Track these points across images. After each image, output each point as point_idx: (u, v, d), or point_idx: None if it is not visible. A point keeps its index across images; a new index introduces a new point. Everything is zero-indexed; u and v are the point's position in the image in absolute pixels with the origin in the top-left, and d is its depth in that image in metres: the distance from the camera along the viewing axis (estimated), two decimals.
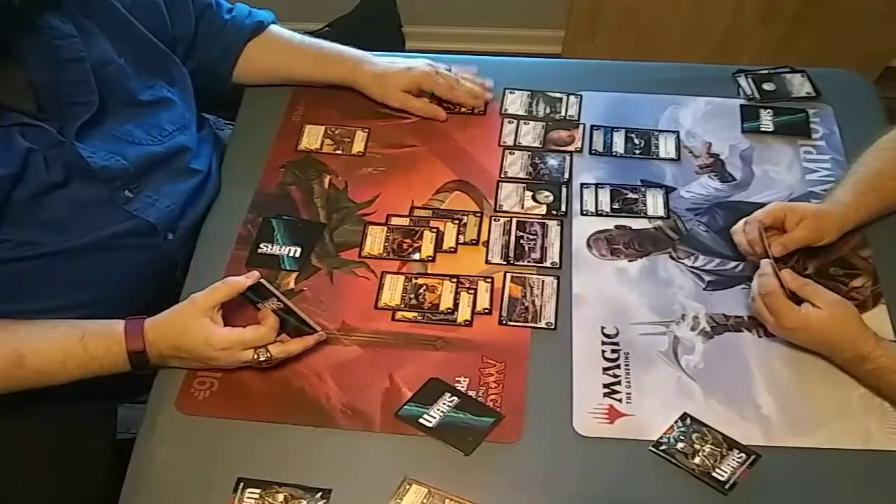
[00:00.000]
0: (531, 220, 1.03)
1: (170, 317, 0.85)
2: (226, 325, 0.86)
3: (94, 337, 0.83)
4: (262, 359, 0.84)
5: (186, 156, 0.99)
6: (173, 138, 0.97)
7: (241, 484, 0.80)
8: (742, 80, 1.20)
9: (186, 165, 0.99)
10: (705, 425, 0.84)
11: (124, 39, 0.91)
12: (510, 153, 1.11)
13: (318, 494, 0.79)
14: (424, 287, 0.96)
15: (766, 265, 0.90)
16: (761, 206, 0.96)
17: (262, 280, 0.85)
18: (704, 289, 0.96)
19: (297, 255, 0.99)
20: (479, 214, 1.03)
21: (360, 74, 1.12)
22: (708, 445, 0.82)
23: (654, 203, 1.05)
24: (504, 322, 0.93)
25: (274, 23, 1.16)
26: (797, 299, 0.87)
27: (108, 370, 0.84)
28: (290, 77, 1.16)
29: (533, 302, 0.95)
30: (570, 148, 1.12)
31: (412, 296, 0.95)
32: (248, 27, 1.11)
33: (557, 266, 0.98)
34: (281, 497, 0.79)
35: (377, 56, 1.14)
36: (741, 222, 0.96)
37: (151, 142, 0.94)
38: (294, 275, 0.97)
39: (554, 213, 1.04)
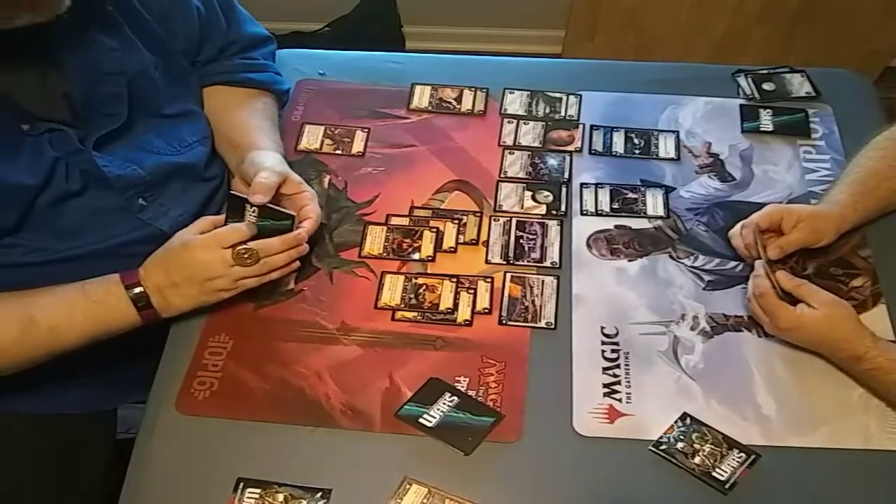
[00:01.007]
0: (531, 220, 1.03)
1: (161, 248, 0.86)
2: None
3: (94, 283, 0.83)
4: (245, 255, 0.83)
5: (203, 163, 0.99)
6: (192, 149, 0.97)
7: (241, 484, 0.80)
8: (742, 80, 1.20)
9: (202, 173, 0.99)
10: (705, 425, 0.84)
11: (160, 54, 0.92)
12: (510, 153, 1.11)
13: (318, 494, 0.79)
14: (424, 287, 0.96)
15: (758, 267, 0.90)
16: (761, 205, 0.96)
17: (232, 192, 0.88)
18: (704, 288, 0.96)
19: None
20: (478, 214, 1.03)
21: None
22: (708, 445, 0.82)
23: (654, 203, 1.05)
24: (504, 322, 0.93)
25: (278, 91, 1.10)
26: (794, 299, 0.87)
27: (113, 317, 0.83)
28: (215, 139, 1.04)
29: (533, 302, 0.95)
30: (569, 148, 1.12)
31: (412, 296, 0.95)
32: (231, 73, 1.04)
33: (557, 266, 0.98)
34: (281, 497, 0.79)
35: (276, 159, 0.96)
36: (738, 226, 0.97)
37: (171, 152, 0.94)
38: (294, 274, 0.97)
39: (554, 212, 1.04)
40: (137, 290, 0.83)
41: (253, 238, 0.85)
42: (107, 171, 0.85)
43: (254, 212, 0.86)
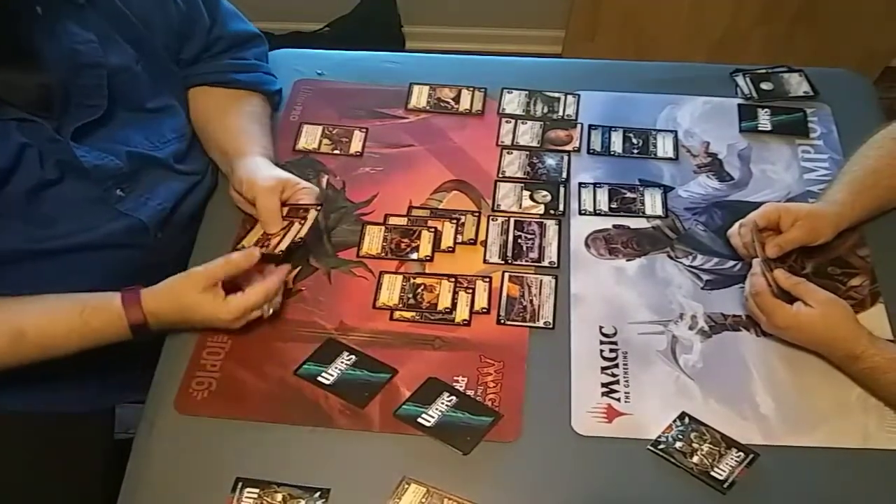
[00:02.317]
0: (529, 220, 1.03)
1: (169, 292, 0.85)
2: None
3: (94, 311, 0.83)
4: (270, 313, 0.89)
5: (182, 159, 0.99)
6: (172, 146, 0.97)
7: (240, 484, 0.80)
8: (740, 80, 1.20)
9: (182, 168, 0.99)
10: (704, 424, 0.84)
11: (140, 48, 0.92)
12: (508, 153, 1.11)
13: (317, 494, 0.79)
14: (422, 287, 0.96)
15: (755, 265, 0.90)
16: (759, 205, 0.96)
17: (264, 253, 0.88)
18: (702, 288, 0.96)
19: None
20: (476, 214, 1.03)
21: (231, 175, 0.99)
22: (706, 444, 0.82)
23: (653, 202, 1.05)
24: (502, 321, 0.93)
25: (268, 92, 1.10)
26: (792, 298, 0.87)
27: (110, 341, 0.84)
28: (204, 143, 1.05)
29: (531, 301, 0.95)
30: (567, 147, 1.12)
31: (410, 295, 0.95)
32: (221, 73, 1.04)
33: (555, 265, 0.98)
34: (279, 497, 0.79)
35: (264, 165, 0.96)
36: (736, 225, 0.97)
37: (150, 147, 0.94)
38: (292, 273, 0.97)
39: (552, 212, 1.04)
40: (140, 324, 0.83)
41: None
42: (84, 162, 0.85)
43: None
